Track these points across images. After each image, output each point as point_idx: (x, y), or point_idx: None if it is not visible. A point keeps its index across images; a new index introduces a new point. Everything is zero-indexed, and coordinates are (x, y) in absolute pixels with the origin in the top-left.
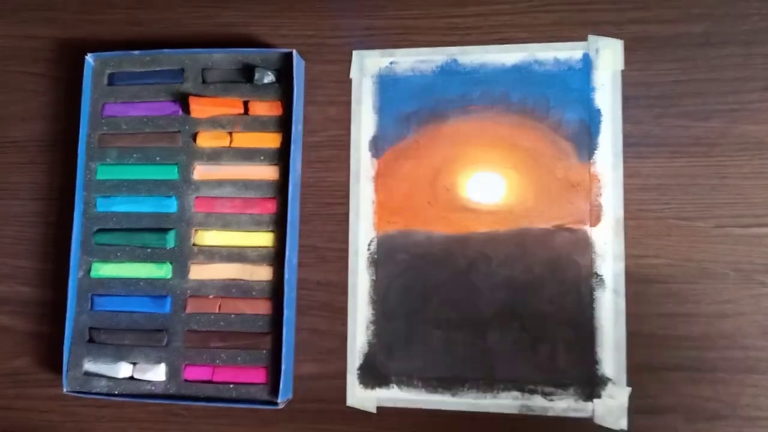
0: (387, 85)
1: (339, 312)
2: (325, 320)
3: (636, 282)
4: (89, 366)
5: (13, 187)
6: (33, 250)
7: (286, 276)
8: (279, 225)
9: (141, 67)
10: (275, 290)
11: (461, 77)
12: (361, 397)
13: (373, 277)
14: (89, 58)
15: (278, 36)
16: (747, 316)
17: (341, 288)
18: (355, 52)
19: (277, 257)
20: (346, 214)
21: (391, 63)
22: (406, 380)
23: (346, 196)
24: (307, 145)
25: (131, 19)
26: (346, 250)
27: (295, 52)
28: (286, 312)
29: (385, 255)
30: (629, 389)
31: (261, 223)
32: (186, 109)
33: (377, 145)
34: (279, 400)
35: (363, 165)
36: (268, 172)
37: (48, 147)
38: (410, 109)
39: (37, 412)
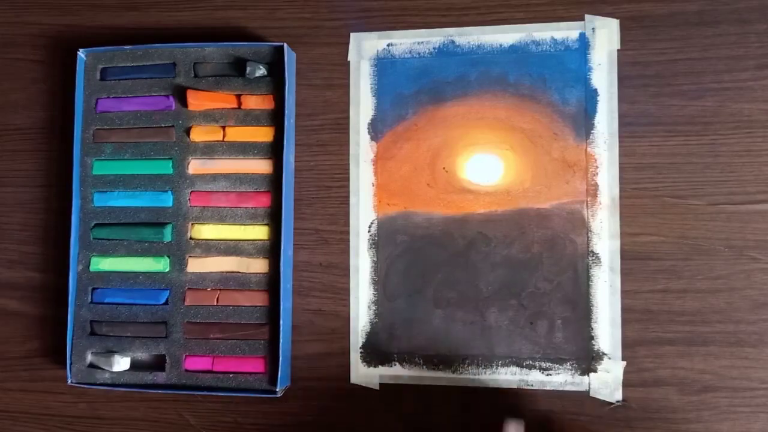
0: (385, 67)
1: (341, 293)
2: (328, 301)
3: (631, 259)
4: (92, 358)
5: (19, 174)
6: (40, 236)
7: (281, 268)
8: (274, 218)
9: (133, 61)
10: (272, 282)
11: (459, 58)
12: (364, 374)
13: (374, 259)
14: (81, 53)
15: (275, 19)
16: (738, 291)
17: (343, 269)
18: (352, 35)
19: (272, 250)
20: (347, 197)
21: (388, 45)
22: (407, 358)
23: (347, 179)
24: (306, 129)
25: (127, 3)
26: (347, 233)
27: (285, 45)
28: (282, 304)
29: (385, 237)
30: (624, 363)
31: (256, 217)
32: (183, 102)
33: (376, 128)
34: (277, 389)
35: (362, 148)
36: (262, 166)
37: (51, 134)
38: (408, 91)
39: (50, 394)
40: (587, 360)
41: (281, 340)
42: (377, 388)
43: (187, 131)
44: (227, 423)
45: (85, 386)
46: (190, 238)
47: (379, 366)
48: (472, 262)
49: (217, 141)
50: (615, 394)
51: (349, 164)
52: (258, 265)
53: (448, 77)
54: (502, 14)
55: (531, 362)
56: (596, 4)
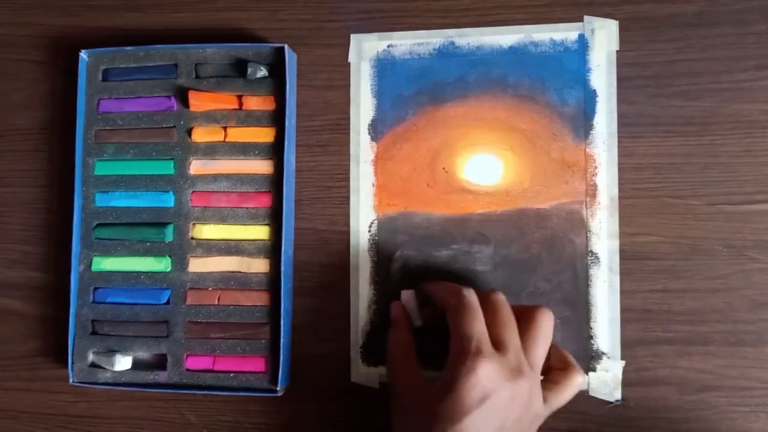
0: (385, 68)
1: (341, 293)
2: (328, 301)
3: (630, 259)
4: (94, 357)
5: (21, 175)
6: (42, 236)
7: (282, 268)
8: (274, 218)
9: (134, 62)
10: (272, 282)
11: (458, 60)
12: (364, 373)
13: (375, 259)
14: (83, 54)
15: (276, 20)
16: (737, 291)
17: (343, 269)
18: (353, 36)
19: (273, 250)
20: (347, 197)
21: (388, 46)
22: None
23: (347, 180)
24: (306, 130)
25: (129, 4)
26: (347, 233)
27: (286, 46)
28: (283, 304)
29: (385, 237)
30: (623, 363)
31: (257, 217)
32: (185, 102)
33: (376, 129)
34: (278, 388)
35: (362, 148)
36: (263, 166)
37: (53, 134)
38: (408, 92)
39: (51, 393)
40: (586, 359)
41: (282, 340)
42: (377, 387)
43: (189, 132)
44: (228, 422)
45: (87, 385)
46: (192, 238)
47: (379, 366)
48: (472, 262)
49: (219, 141)
50: (614, 394)
51: (349, 165)
52: (259, 265)
53: (448, 78)
54: (501, 16)
55: None
56: (595, 6)
